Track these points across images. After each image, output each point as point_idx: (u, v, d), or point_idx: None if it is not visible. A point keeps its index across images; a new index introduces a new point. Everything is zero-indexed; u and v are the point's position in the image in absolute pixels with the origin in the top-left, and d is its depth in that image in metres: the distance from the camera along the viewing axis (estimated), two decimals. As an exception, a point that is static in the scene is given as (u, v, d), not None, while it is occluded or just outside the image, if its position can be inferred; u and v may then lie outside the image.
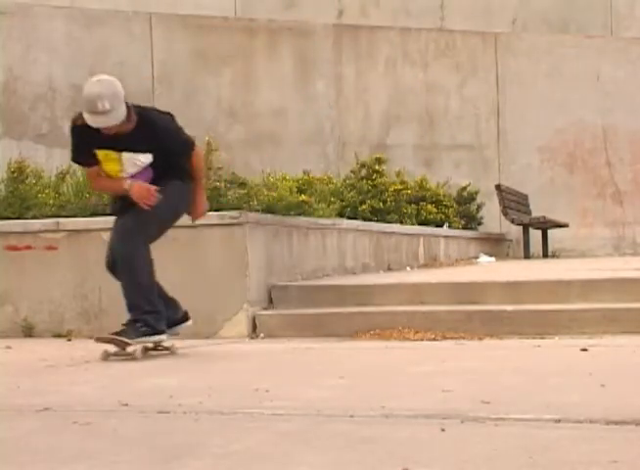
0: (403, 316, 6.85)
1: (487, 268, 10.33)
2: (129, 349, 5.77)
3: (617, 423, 3.31)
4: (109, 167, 5.90)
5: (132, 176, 5.90)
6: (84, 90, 5.75)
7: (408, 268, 10.36)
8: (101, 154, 5.87)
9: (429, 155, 15.20)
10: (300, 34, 15.04)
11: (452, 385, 4.24)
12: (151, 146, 5.88)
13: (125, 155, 5.87)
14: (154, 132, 5.86)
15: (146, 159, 5.92)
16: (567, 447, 3.02)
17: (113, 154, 5.86)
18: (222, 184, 8.60)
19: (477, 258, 12.79)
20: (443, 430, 3.28)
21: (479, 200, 14.62)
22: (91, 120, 5.66)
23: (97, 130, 5.72)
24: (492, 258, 12.62)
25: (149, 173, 5.99)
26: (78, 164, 6.26)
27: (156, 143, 5.87)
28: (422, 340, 6.48)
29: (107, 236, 7.42)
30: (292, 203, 8.42)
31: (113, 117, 5.65)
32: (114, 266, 5.96)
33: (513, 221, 13.81)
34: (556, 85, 15.17)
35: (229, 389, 4.48)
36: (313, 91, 14.95)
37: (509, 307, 6.79)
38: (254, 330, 7.10)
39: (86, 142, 5.84)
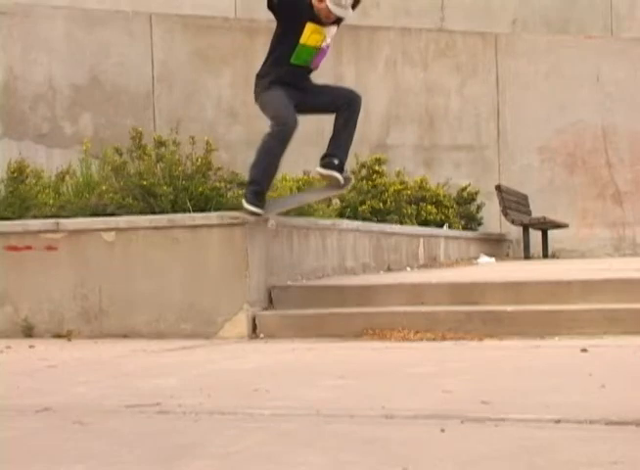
0: (403, 316, 6.85)
1: (487, 269, 10.33)
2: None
3: (617, 424, 3.31)
4: (313, 38, 7.33)
5: (321, 52, 7.49)
6: None
7: (408, 269, 10.36)
8: (311, 27, 7.28)
9: (429, 155, 15.21)
10: (301, 34, 15.03)
11: (452, 385, 4.24)
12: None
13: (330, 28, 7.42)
14: None
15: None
16: (567, 448, 3.02)
17: (320, 28, 7.32)
18: (222, 184, 8.60)
19: (477, 258, 12.80)
20: (443, 430, 3.28)
21: (479, 200, 14.62)
22: (337, 11, 7.21)
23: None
24: (492, 259, 12.63)
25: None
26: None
27: None
28: (422, 340, 6.48)
29: (107, 236, 7.45)
30: (292, 203, 8.41)
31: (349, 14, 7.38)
32: (348, 106, 8.03)
33: (513, 222, 13.82)
34: (556, 85, 15.18)
35: (229, 389, 4.48)
36: (313, 91, 14.93)
37: (509, 308, 6.79)
38: (254, 330, 7.10)
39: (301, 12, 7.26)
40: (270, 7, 7.16)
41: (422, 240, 11.33)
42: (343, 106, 8.04)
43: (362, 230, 9.67)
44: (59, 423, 3.67)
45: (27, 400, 4.24)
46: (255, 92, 7.60)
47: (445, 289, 7.38)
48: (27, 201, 8.56)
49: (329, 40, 7.55)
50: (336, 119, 8.01)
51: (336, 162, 7.72)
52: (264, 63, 7.58)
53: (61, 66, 14.01)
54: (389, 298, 7.34)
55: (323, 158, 7.76)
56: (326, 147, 7.77)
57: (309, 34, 7.32)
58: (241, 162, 12.52)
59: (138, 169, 8.55)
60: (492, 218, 14.74)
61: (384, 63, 15.24)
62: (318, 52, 7.50)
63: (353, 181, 8.76)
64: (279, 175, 9.48)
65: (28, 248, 7.59)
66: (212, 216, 7.36)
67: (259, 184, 7.30)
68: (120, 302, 7.39)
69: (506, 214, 13.75)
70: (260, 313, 7.18)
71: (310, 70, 7.69)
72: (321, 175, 7.82)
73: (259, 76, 7.57)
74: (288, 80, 7.45)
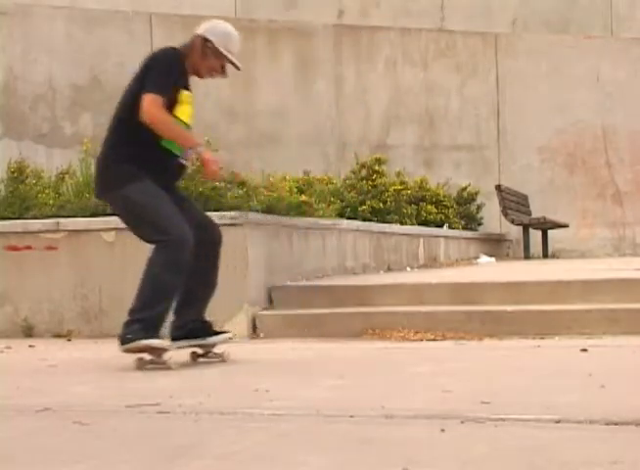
0: (403, 316, 6.85)
1: (487, 269, 10.33)
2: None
3: (616, 424, 3.31)
4: (186, 111, 5.41)
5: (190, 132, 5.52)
6: (228, 29, 5.82)
7: (408, 269, 10.36)
8: (186, 95, 5.41)
9: (429, 155, 15.21)
10: (301, 35, 15.05)
11: (452, 385, 4.24)
12: None
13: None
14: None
15: None
16: (566, 448, 3.02)
17: (190, 97, 5.47)
18: (222, 184, 8.59)
19: (477, 258, 12.80)
20: (443, 430, 3.28)
21: (479, 200, 14.63)
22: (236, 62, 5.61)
23: (186, 71, 5.44)
24: (492, 259, 12.63)
25: None
26: (162, 95, 5.26)
27: None
28: (422, 340, 6.48)
29: (107, 236, 7.45)
30: (292, 203, 8.42)
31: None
32: (209, 245, 5.45)
33: (513, 222, 13.82)
34: (556, 85, 15.18)
35: (229, 389, 4.49)
36: (313, 91, 14.95)
37: (509, 308, 6.79)
38: (254, 330, 7.10)
39: (179, 78, 5.37)
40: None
41: (422, 240, 11.33)
42: (206, 241, 5.48)
43: (362, 230, 9.68)
44: (59, 423, 3.67)
45: (27, 400, 4.24)
46: (107, 179, 5.46)
47: (445, 289, 7.38)
48: (27, 201, 8.56)
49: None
50: (191, 262, 5.33)
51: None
52: (115, 135, 5.43)
53: (61, 66, 14.01)
54: (389, 298, 7.35)
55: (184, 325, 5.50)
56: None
57: (182, 105, 5.42)
58: (241, 162, 12.55)
59: (138, 169, 8.53)
60: (492, 218, 14.74)
61: (384, 63, 15.24)
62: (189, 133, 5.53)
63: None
64: (278, 175, 9.47)
65: (28, 248, 7.59)
66: (212, 216, 7.35)
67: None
68: (120, 301, 7.38)
69: (506, 214, 13.75)
70: (260, 313, 7.18)
71: (182, 168, 5.58)
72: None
73: (111, 159, 5.43)
74: (160, 175, 5.36)
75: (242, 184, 8.61)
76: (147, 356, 5.20)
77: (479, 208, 14.65)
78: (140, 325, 5.15)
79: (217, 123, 14.17)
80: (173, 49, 5.45)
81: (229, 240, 7.20)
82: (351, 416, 3.58)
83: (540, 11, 15.58)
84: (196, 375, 5.04)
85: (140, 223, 5.42)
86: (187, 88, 5.44)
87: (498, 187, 13.93)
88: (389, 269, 10.06)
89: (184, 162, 5.49)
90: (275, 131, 14.62)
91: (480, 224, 14.73)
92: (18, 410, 3.97)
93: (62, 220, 7.73)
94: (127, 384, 4.75)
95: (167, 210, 5.29)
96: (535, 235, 14.29)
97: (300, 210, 8.56)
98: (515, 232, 14.61)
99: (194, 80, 5.62)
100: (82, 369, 5.38)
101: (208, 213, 7.46)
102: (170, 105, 5.29)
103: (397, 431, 3.35)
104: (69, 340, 7.24)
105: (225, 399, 4.13)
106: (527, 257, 13.74)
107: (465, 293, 7.28)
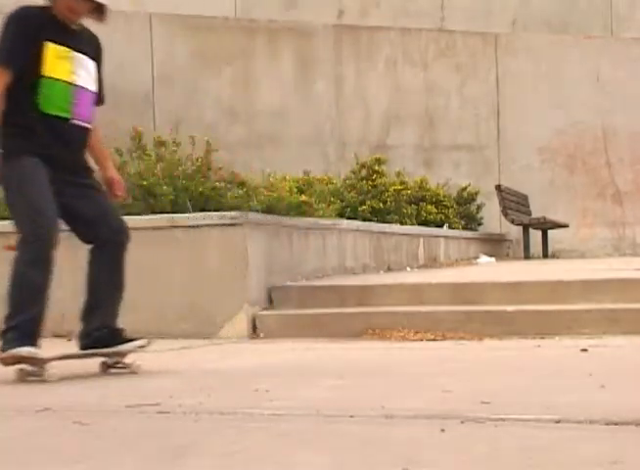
0: (403, 316, 6.85)
1: (487, 269, 10.33)
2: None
3: (617, 423, 3.30)
4: (60, 67, 4.77)
5: (80, 91, 4.86)
6: None
7: (408, 269, 10.36)
8: (54, 49, 4.77)
9: (429, 155, 15.22)
10: (301, 35, 15.05)
11: (452, 385, 4.23)
12: (96, 58, 5.02)
13: (77, 54, 4.86)
14: (98, 44, 5.06)
15: (93, 68, 4.95)
16: (567, 448, 3.01)
17: (66, 51, 4.81)
18: (222, 184, 8.60)
19: (477, 258, 12.80)
20: (443, 430, 3.27)
21: (479, 200, 14.64)
22: None
23: (51, 18, 4.79)
24: (492, 259, 12.64)
25: (92, 107, 4.96)
26: (7, 65, 4.73)
27: (99, 59, 5.03)
28: (422, 340, 6.49)
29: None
30: (292, 203, 8.43)
31: None
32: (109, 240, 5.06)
33: (513, 222, 13.82)
34: (556, 85, 15.19)
35: (229, 389, 4.48)
36: (313, 91, 14.95)
37: (509, 308, 6.80)
38: (254, 330, 7.11)
39: (36, 33, 4.73)
40: None
41: (422, 240, 11.33)
42: (110, 237, 5.15)
43: (362, 230, 9.68)
44: (59, 423, 3.67)
45: (27, 400, 4.24)
46: None
47: (445, 289, 7.38)
48: (27, 201, 8.54)
49: (84, 75, 4.90)
50: (95, 262, 5.24)
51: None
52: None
53: (61, 66, 14.00)
54: (389, 298, 7.35)
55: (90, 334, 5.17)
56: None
57: (56, 60, 4.80)
58: (241, 162, 12.55)
59: (138, 169, 8.55)
60: (492, 218, 14.75)
61: (384, 63, 15.24)
62: (76, 91, 4.85)
63: None
64: (278, 175, 9.46)
65: (28, 248, 7.57)
66: (212, 216, 7.36)
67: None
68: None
69: (506, 214, 13.75)
70: (260, 313, 7.18)
71: (79, 134, 4.92)
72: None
73: None
74: (48, 147, 4.78)
75: (242, 184, 8.62)
76: (28, 367, 4.79)
77: (479, 208, 14.66)
78: (15, 333, 4.75)
79: (217, 123, 14.17)
80: (22, 7, 4.85)
81: (229, 240, 7.23)
82: (351, 416, 3.58)
83: (540, 11, 15.59)
84: (196, 375, 5.04)
85: (10, 209, 4.88)
86: (61, 43, 4.80)
87: (498, 187, 13.93)
88: (389, 269, 10.06)
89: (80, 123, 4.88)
90: (275, 131, 14.62)
91: (480, 224, 14.75)
92: (18, 410, 3.97)
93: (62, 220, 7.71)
94: (127, 384, 4.75)
95: (38, 197, 4.73)
96: (535, 235, 14.29)
97: (300, 210, 8.57)
98: (515, 232, 14.62)
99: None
100: (82, 369, 5.37)
101: (208, 214, 7.51)
102: (37, 64, 4.72)
103: (397, 431, 3.35)
104: (70, 340, 7.23)
105: (225, 399, 4.13)
106: (527, 257, 13.74)
107: (465, 293, 7.28)
